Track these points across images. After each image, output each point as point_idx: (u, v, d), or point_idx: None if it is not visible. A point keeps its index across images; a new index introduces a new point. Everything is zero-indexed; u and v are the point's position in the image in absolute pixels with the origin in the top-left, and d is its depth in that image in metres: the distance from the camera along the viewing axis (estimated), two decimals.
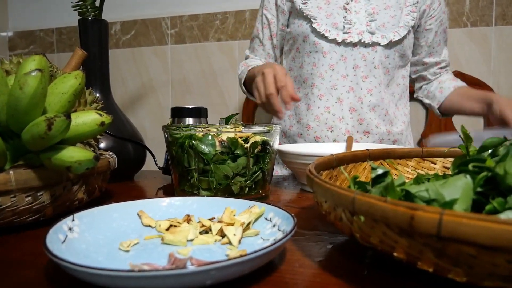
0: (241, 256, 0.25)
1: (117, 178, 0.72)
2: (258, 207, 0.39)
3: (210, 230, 0.36)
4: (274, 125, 0.54)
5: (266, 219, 0.38)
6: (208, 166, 0.51)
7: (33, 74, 0.36)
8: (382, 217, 0.24)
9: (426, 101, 1.09)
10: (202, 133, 0.51)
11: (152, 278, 0.23)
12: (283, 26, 1.04)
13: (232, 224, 0.36)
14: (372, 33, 0.93)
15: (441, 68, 1.07)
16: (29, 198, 0.40)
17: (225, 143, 0.51)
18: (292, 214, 0.34)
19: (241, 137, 0.51)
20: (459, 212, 0.21)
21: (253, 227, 0.37)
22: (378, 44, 0.93)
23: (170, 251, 0.31)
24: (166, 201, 0.42)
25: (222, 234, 0.35)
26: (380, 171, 0.31)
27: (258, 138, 0.52)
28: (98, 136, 0.56)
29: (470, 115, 1.00)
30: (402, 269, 0.29)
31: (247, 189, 0.52)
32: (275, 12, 1.04)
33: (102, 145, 0.70)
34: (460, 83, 1.05)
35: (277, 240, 0.28)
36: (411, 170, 0.51)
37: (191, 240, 0.35)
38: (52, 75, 0.51)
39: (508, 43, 1.30)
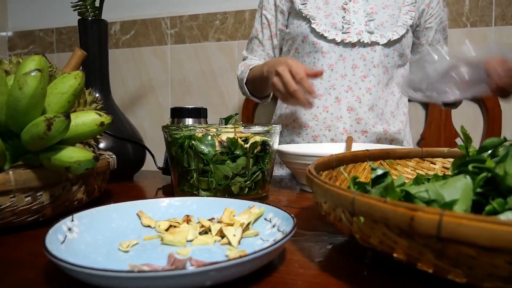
0: (240, 256, 0.25)
1: (117, 178, 0.72)
2: (257, 207, 0.39)
3: (210, 230, 0.36)
4: (273, 125, 0.54)
5: (265, 219, 0.38)
6: (208, 167, 0.51)
7: (32, 74, 0.36)
8: (382, 217, 0.24)
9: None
10: (201, 133, 0.51)
11: (152, 279, 0.23)
12: (282, 26, 1.04)
13: (231, 225, 0.36)
14: (371, 32, 0.93)
15: None
16: (29, 198, 0.40)
17: (225, 143, 0.51)
18: (292, 215, 0.34)
19: (240, 138, 0.51)
20: (459, 213, 0.21)
21: (253, 227, 0.37)
22: (377, 43, 0.93)
23: (170, 252, 0.31)
24: (165, 201, 0.42)
25: (221, 234, 0.35)
26: (380, 171, 0.31)
27: (257, 138, 0.52)
28: (98, 136, 0.56)
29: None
30: (402, 270, 0.29)
31: (247, 189, 0.52)
32: (274, 13, 1.04)
33: (101, 145, 0.70)
34: None
35: (276, 241, 0.28)
36: (411, 170, 0.51)
37: (191, 241, 0.35)
38: (52, 75, 0.51)
39: (508, 43, 1.30)
